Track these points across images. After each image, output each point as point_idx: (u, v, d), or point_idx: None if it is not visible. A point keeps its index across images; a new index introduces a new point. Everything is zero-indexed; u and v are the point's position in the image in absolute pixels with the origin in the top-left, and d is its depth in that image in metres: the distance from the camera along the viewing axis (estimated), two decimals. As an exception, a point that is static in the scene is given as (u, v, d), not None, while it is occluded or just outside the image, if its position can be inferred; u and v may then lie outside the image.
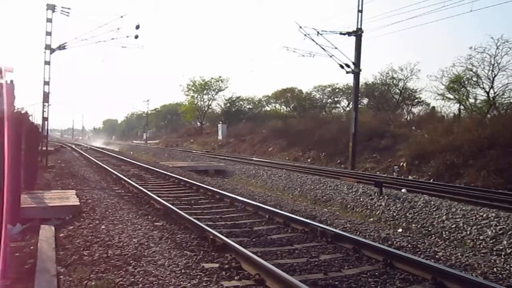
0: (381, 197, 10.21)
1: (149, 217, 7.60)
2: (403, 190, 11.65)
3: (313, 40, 20.57)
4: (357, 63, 20.88)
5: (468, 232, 7.42)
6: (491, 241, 6.90)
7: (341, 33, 20.83)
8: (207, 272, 4.60)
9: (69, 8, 17.65)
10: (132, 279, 4.30)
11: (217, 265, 4.87)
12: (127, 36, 18.52)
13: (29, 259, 5.09)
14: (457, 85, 26.88)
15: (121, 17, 17.66)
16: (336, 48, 20.79)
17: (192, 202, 9.41)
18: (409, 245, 6.09)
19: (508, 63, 24.02)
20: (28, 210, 7.23)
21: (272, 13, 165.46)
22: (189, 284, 4.20)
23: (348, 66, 20.92)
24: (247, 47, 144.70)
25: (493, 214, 7.89)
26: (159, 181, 13.46)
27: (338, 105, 44.07)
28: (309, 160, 27.12)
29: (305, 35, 20.47)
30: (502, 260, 6.08)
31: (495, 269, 5.15)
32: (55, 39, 25.91)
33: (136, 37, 18.51)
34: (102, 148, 37.35)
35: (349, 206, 10.44)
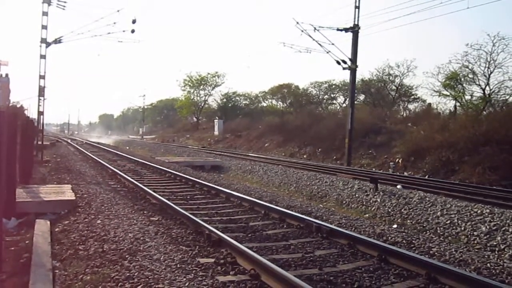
0: (376, 193, 10.26)
1: (145, 212, 7.59)
2: (398, 186, 11.70)
3: (310, 36, 20.55)
4: (353, 59, 20.89)
5: (462, 228, 7.47)
6: (485, 237, 6.96)
7: (338, 29, 20.83)
8: (202, 267, 4.61)
9: (65, 2, 17.57)
10: (128, 274, 4.30)
11: (212, 260, 4.88)
12: (124, 31, 18.51)
13: (25, 253, 5.09)
14: (453, 82, 26.97)
15: (118, 11, 17.64)
16: (332, 44, 20.79)
17: (188, 197, 9.41)
18: (404, 241, 6.12)
19: (504, 60, 24.15)
20: (23, 204, 7.22)
21: (269, 9, 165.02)
22: (184, 279, 4.21)
23: (344, 62, 20.91)
24: (244, 42, 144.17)
25: (488, 210, 7.95)
26: (155, 176, 13.44)
27: (334, 101, 44.14)
28: (305, 156, 27.16)
29: (302, 31, 20.44)
30: (496, 255, 6.15)
31: (488, 264, 5.19)
32: (51, 33, 25.79)
33: (133, 31, 18.49)
34: (98, 143, 37.17)
35: (344, 202, 10.48)
